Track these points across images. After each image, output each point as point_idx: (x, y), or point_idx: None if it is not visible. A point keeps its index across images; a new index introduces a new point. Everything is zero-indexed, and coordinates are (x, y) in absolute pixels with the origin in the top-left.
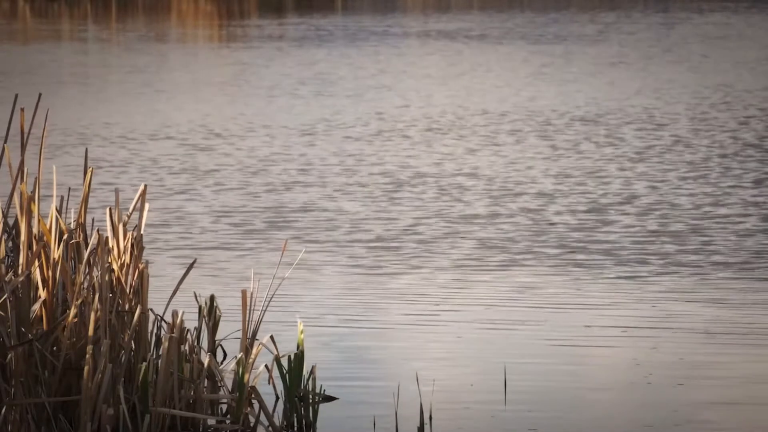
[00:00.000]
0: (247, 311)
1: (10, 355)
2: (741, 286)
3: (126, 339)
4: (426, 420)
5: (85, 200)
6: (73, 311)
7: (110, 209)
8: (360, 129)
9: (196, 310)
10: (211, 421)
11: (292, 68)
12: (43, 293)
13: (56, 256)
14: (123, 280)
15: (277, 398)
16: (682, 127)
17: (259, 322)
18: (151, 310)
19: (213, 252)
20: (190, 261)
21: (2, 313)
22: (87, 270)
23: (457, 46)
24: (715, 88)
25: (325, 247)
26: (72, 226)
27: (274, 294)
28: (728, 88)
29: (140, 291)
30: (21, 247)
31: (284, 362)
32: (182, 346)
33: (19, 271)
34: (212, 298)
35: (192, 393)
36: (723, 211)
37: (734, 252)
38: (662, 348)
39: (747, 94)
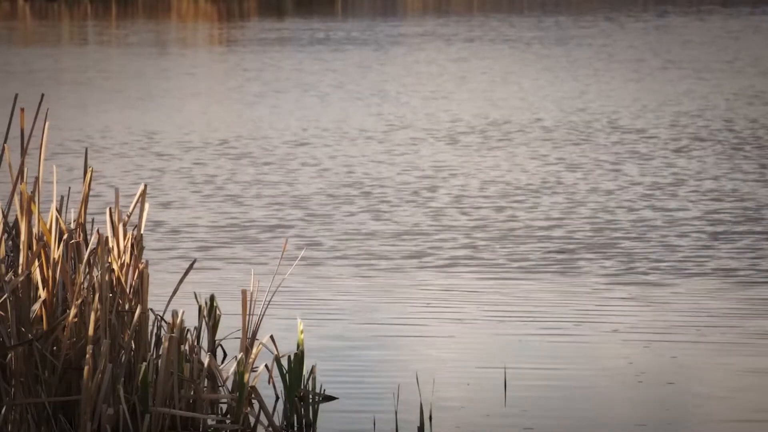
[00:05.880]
0: (247, 311)
1: (10, 355)
2: (733, 286)
3: (126, 339)
4: (426, 420)
5: (85, 200)
6: (73, 311)
7: (110, 209)
8: (359, 132)
9: (196, 310)
10: (211, 421)
11: (291, 71)
12: (43, 293)
13: (56, 256)
14: (123, 280)
15: (277, 398)
16: (683, 129)
17: (259, 322)
18: (151, 310)
19: (213, 252)
20: (190, 261)
21: (2, 313)
22: (87, 270)
23: (458, 49)
24: (722, 94)
25: (325, 247)
26: (72, 226)
27: (274, 294)
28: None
29: (140, 291)
30: (21, 247)
31: (284, 362)
32: (182, 346)
33: (19, 271)
34: (212, 298)
35: (192, 393)
36: (716, 215)
37: (727, 253)
38: (654, 347)
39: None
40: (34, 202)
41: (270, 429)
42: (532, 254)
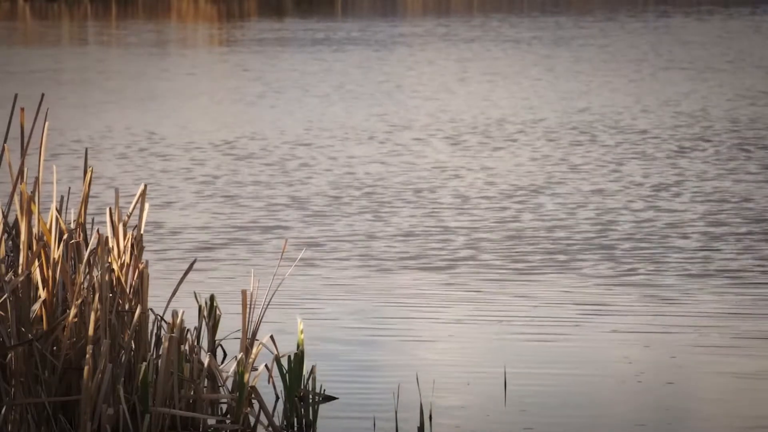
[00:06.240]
0: (247, 311)
1: (10, 355)
2: (733, 287)
3: (126, 339)
4: (426, 420)
5: (85, 200)
6: (73, 311)
7: (110, 209)
8: (359, 132)
9: (196, 310)
10: (211, 421)
11: (292, 71)
12: (43, 293)
13: (56, 256)
14: (123, 280)
15: (277, 398)
16: (684, 129)
17: (259, 322)
18: (151, 310)
19: (213, 252)
20: (190, 261)
21: (2, 313)
22: (87, 270)
23: (458, 49)
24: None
25: (325, 248)
26: (72, 226)
27: (274, 294)
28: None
29: (140, 291)
30: (21, 247)
31: (284, 362)
32: (182, 346)
33: (19, 271)
34: (212, 298)
35: (192, 393)
36: (717, 215)
37: (726, 254)
38: (654, 347)
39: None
40: (34, 202)
41: (270, 429)
42: (532, 255)
